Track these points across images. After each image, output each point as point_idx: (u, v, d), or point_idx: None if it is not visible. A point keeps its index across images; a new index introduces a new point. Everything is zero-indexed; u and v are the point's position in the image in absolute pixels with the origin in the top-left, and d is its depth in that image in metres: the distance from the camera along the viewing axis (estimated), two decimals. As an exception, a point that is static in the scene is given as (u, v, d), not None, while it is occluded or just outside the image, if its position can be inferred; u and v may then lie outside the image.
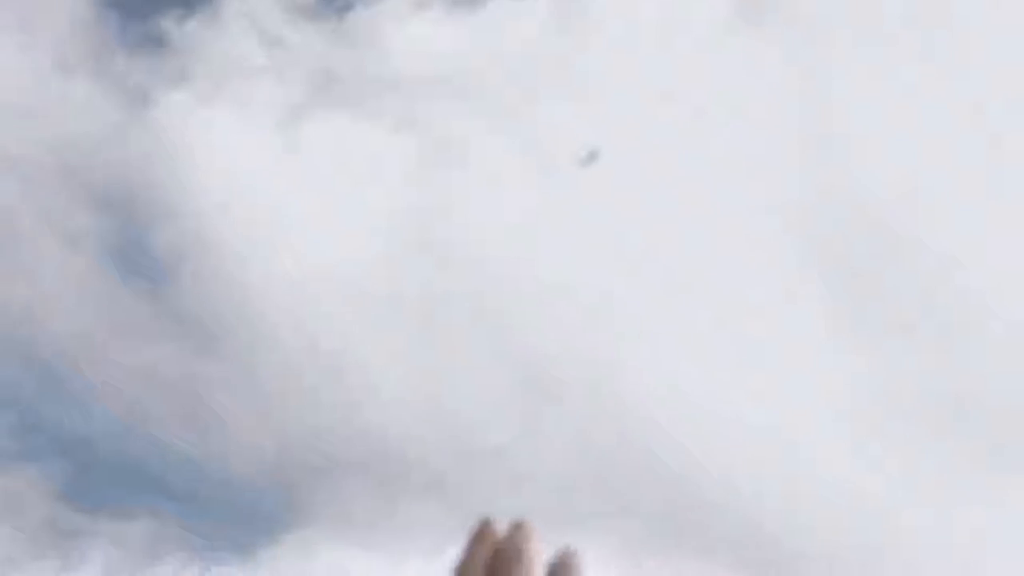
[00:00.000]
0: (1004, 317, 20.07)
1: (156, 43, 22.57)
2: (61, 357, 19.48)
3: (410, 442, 17.34)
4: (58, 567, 17.09)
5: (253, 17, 22.44)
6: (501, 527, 1.17)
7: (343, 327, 19.84)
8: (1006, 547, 18.06)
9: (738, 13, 22.21)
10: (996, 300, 20.12)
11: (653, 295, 19.96)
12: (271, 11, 22.53)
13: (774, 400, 19.24)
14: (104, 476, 19.05)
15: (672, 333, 19.69)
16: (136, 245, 21.51)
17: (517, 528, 1.17)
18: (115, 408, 19.51)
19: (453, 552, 1.20)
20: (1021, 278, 20.33)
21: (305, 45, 22.38)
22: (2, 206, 20.71)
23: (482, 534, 1.18)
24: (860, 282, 20.70)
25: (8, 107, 21.30)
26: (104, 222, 21.09)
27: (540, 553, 1.16)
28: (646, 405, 18.75)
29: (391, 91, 22.04)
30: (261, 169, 21.10)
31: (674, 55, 21.43)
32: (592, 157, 17.26)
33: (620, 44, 21.68)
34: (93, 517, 18.23)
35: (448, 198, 20.91)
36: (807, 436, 19.17)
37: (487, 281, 19.55)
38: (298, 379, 19.51)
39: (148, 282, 21.24)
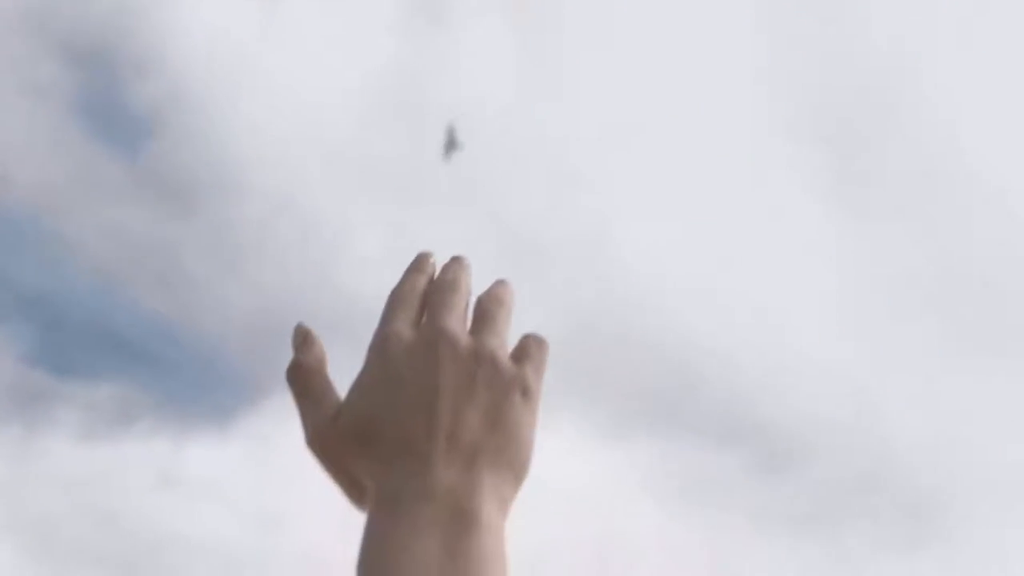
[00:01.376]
0: (1002, 196, 19.99)
1: None
2: (28, 215, 19.29)
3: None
4: (24, 432, 17.04)
5: None
6: (439, 263, 1.26)
7: (321, 187, 19.68)
8: (988, 427, 18.21)
9: None
10: (996, 178, 20.02)
11: (642, 166, 19.84)
12: None
13: (762, 273, 19.22)
14: (73, 338, 18.92)
15: (660, 205, 19.61)
16: (107, 100, 21.25)
17: (454, 260, 1.24)
18: (85, 269, 19.39)
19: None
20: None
21: None
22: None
23: (420, 265, 1.24)
24: (853, 155, 20.58)
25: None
26: (74, 75, 20.79)
27: (472, 287, 1.23)
28: (631, 277, 18.73)
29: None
30: (239, 24, 20.79)
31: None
32: (452, 145, 16.70)
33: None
34: (61, 380, 18.14)
35: (431, 60, 20.65)
36: (794, 309, 19.20)
37: (469, 145, 19.31)
38: (274, 241, 19.40)
39: (119, 138, 21.04)
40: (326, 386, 1.24)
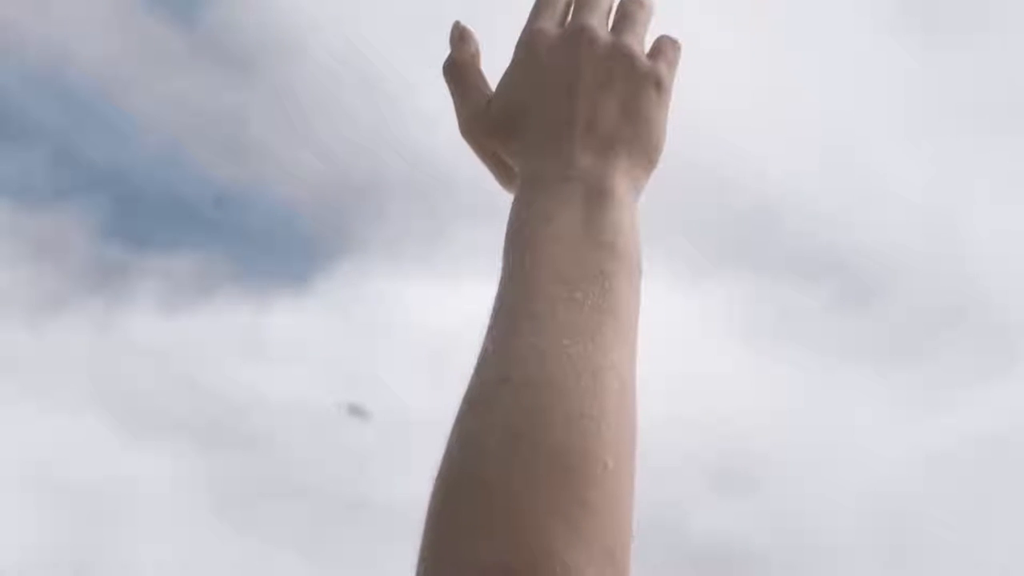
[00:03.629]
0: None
1: None
2: (91, 90, 19.62)
3: (458, 159, 17.48)
4: (105, 304, 17.45)
5: None
6: None
7: (380, 39, 19.81)
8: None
9: None
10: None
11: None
12: None
13: (832, 102, 19.22)
14: (147, 210, 19.29)
15: (723, 38, 19.61)
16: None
17: None
18: (153, 140, 19.70)
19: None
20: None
21: None
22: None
23: None
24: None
25: None
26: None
27: None
28: (697, 113, 18.76)
29: None
30: None
31: None
32: (356, 411, 16.65)
33: None
34: (139, 253, 18.51)
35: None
36: (870, 139, 19.21)
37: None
38: (339, 101, 19.61)
39: (176, 7, 21.22)
40: (479, 79, 1.32)
